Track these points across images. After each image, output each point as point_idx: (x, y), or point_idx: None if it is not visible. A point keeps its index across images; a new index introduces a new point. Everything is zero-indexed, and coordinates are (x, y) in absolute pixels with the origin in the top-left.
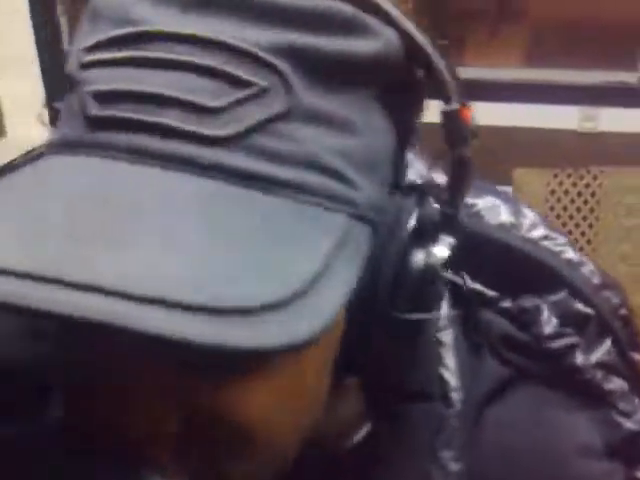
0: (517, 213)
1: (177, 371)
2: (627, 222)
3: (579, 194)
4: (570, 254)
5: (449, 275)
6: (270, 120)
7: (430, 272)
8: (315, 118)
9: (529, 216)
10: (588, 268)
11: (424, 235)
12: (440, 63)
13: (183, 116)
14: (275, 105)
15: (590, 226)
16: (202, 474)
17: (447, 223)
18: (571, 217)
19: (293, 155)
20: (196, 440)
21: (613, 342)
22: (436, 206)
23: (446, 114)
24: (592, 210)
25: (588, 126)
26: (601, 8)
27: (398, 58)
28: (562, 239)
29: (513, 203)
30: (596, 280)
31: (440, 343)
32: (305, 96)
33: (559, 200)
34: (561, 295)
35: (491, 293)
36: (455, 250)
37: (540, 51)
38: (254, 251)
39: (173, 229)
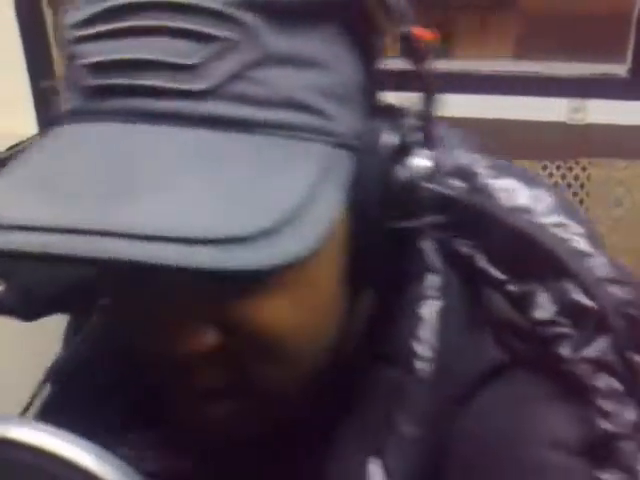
0: (535, 197)
1: (204, 293)
2: (615, 213)
3: (568, 186)
4: (580, 244)
5: (432, 186)
6: (244, 69)
7: (413, 182)
8: (285, 61)
9: (546, 201)
10: (597, 260)
11: (404, 151)
12: None
13: (167, 76)
14: (246, 55)
15: None
16: (234, 380)
17: (423, 138)
18: None
19: (270, 97)
20: (227, 352)
21: (611, 340)
22: (411, 123)
23: (403, 35)
24: (581, 202)
25: (577, 118)
26: (590, 0)
27: None
28: (578, 229)
29: (534, 187)
30: (603, 273)
31: (417, 316)
32: (272, 42)
33: None
34: (563, 284)
35: (497, 274)
36: (435, 164)
37: (529, 43)
38: (248, 186)
39: (178, 178)
